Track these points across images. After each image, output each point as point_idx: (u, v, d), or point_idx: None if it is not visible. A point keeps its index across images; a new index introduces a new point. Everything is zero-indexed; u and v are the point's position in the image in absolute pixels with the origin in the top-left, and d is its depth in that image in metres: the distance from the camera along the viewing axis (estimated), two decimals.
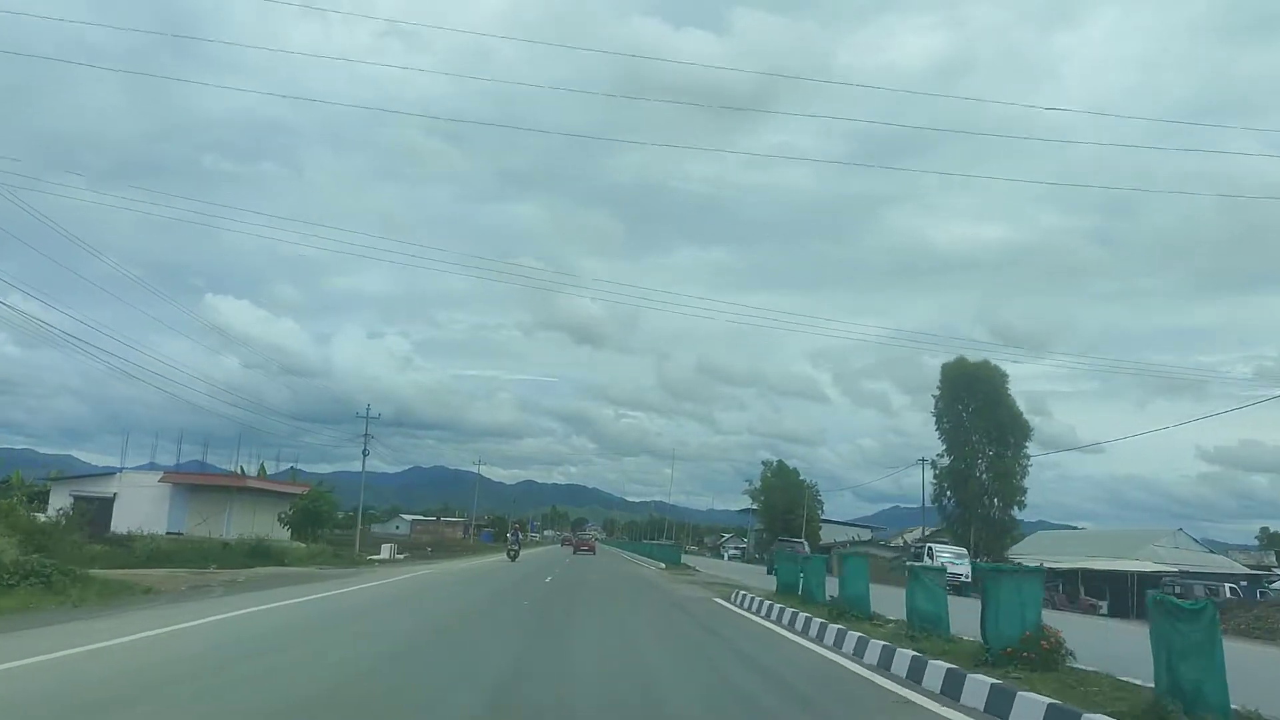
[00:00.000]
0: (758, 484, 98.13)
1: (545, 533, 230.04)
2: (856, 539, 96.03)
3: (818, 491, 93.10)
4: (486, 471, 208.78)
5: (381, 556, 42.44)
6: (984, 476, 61.76)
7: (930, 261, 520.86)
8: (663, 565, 48.98)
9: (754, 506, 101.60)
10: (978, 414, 61.85)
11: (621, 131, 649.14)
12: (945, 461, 64.26)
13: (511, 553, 48.82)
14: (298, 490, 57.14)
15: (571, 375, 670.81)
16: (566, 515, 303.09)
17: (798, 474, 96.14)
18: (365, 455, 49.30)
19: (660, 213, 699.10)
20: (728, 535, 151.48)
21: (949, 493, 63.65)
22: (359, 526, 50.02)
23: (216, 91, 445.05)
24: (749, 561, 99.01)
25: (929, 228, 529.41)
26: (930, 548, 43.90)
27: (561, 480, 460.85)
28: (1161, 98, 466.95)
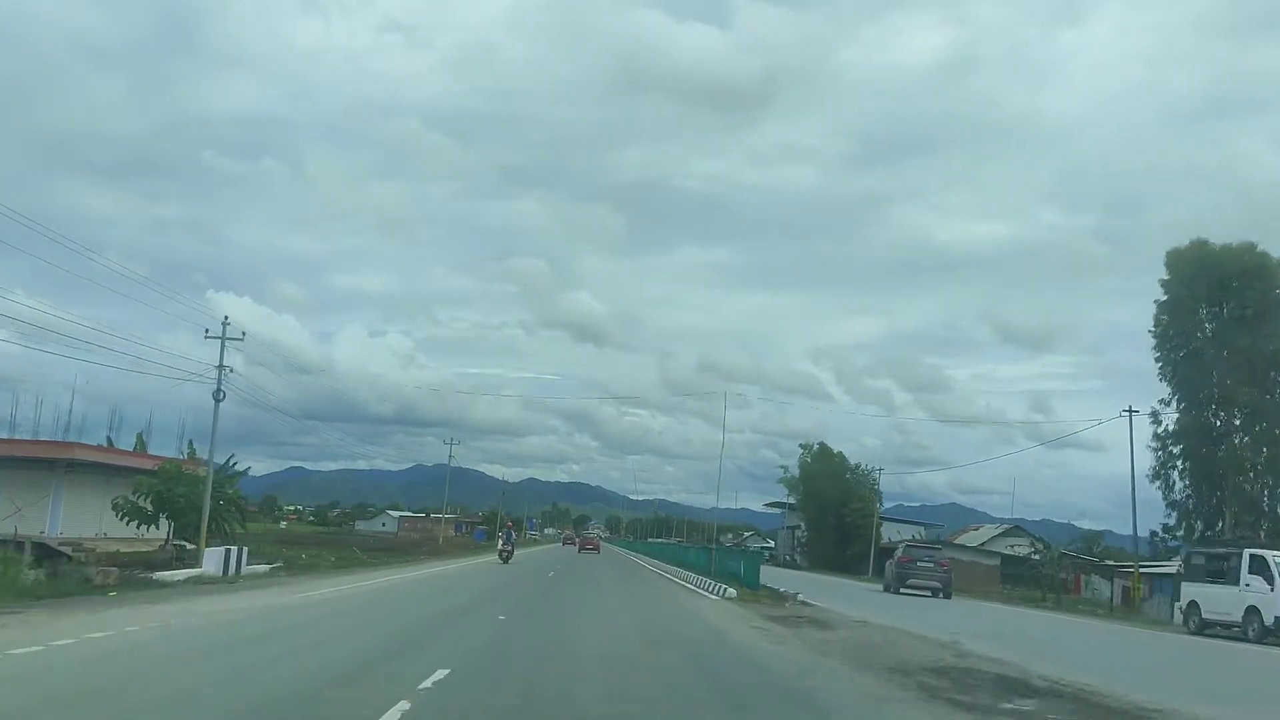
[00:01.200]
0: (795, 472, 78.56)
1: (546, 530, 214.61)
2: (917, 539, 76.36)
3: (876, 480, 73.29)
4: (488, 469, 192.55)
5: (195, 573, 21.99)
6: (1242, 437, 38.25)
7: (933, 259, 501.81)
8: (731, 592, 25.79)
9: (790, 500, 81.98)
10: (1234, 331, 37.90)
11: (624, 128, 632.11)
12: (1171, 413, 41.01)
13: (504, 554, 42.85)
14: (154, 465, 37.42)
15: (574, 373, 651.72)
16: (568, 512, 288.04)
17: (844, 458, 76.34)
18: (218, 400, 29.34)
19: (662, 210, 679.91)
20: (748, 534, 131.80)
21: (1181, 462, 39.74)
22: (204, 524, 30.15)
23: (217, 88, 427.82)
24: (784, 565, 79.64)
25: (932, 225, 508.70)
26: (1267, 558, 22.09)
27: (564, 478, 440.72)
28: (1167, 95, 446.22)
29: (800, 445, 77.56)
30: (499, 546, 45.18)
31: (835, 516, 69.63)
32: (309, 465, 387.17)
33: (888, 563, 43.12)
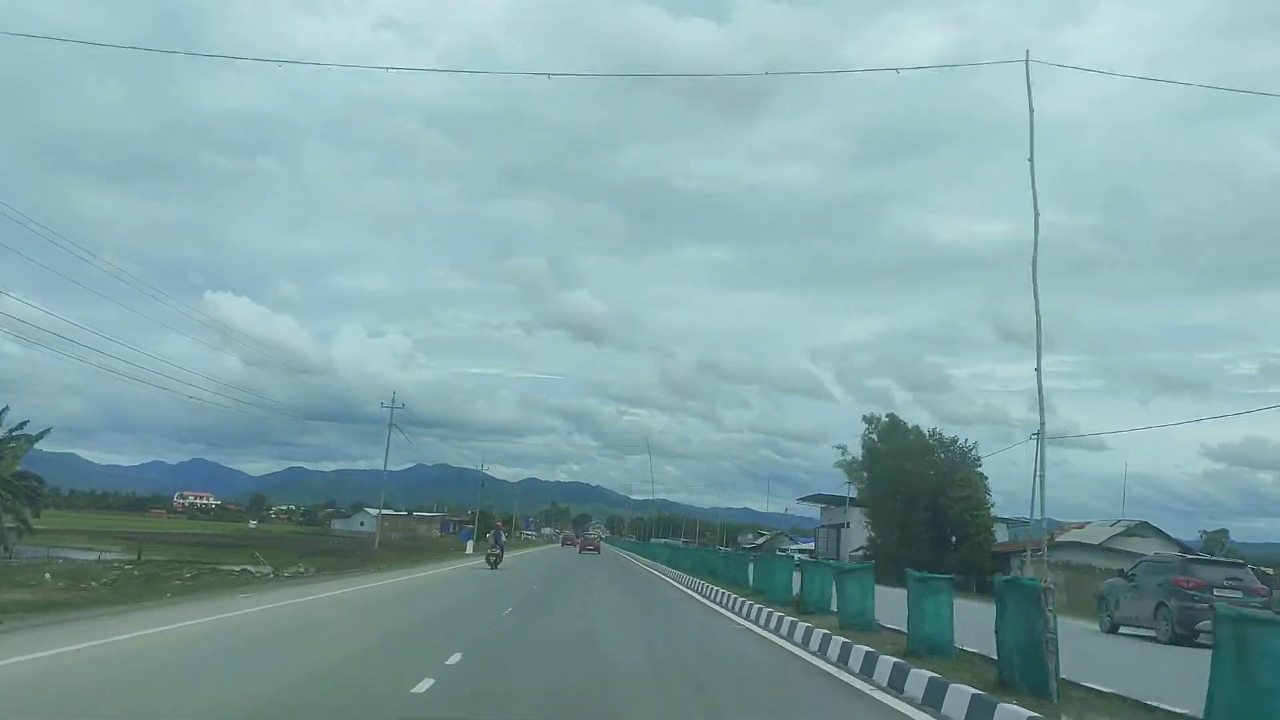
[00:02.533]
0: (856, 455, 58.17)
1: (543, 530, 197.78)
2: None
3: (978, 460, 52.43)
4: (490, 470, 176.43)
5: None
6: None
7: (933, 258, 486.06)
8: None
9: (851, 492, 61.59)
10: None
11: (624, 128, 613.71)
12: None
13: (492, 557, 36.76)
14: None
15: (573, 373, 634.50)
16: (568, 512, 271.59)
17: (923, 434, 55.58)
18: None
19: (662, 210, 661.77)
20: (777, 533, 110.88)
21: None
22: None
23: (217, 88, 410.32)
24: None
25: (932, 224, 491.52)
26: None
27: (565, 478, 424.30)
28: (1167, 94, 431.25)
29: (864, 419, 57.13)
30: (488, 550, 39.14)
31: (929, 510, 49.37)
32: (309, 465, 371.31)
33: (1111, 587, 23.63)
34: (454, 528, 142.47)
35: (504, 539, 40.24)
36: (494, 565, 36.52)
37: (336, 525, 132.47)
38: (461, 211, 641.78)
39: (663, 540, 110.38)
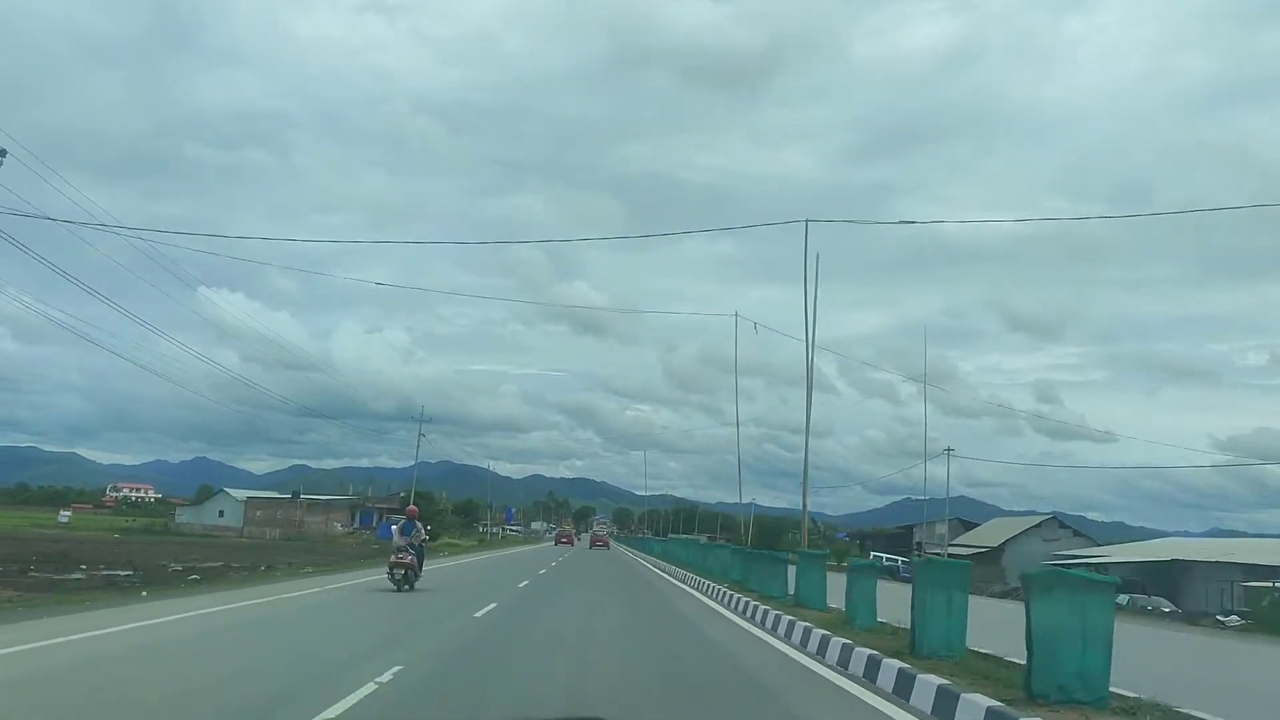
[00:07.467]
0: None
1: (533, 525, 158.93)
2: None
3: None
4: (492, 466, 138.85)
5: None
6: None
7: (938, 250, 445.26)
8: None
9: None
10: None
11: (626, 119, 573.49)
12: None
13: (397, 572, 19.19)
14: None
15: (576, 368, 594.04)
16: (568, 504, 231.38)
17: None
18: None
19: (666, 203, 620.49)
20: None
21: None
22: None
23: (216, 83, 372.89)
24: None
25: (936, 216, 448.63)
26: None
27: (569, 474, 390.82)
28: (1175, 81, 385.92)
29: None
30: (392, 555, 19.86)
31: None
32: (312, 463, 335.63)
33: None
34: (377, 517, 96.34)
35: (422, 534, 20.99)
36: (402, 584, 19.15)
37: (184, 518, 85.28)
38: (464, 207, 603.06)
39: (678, 536, 72.81)
